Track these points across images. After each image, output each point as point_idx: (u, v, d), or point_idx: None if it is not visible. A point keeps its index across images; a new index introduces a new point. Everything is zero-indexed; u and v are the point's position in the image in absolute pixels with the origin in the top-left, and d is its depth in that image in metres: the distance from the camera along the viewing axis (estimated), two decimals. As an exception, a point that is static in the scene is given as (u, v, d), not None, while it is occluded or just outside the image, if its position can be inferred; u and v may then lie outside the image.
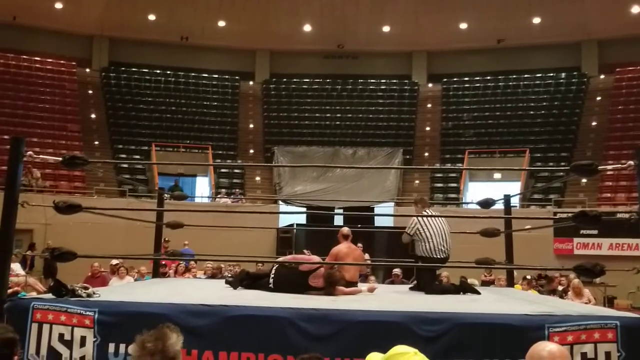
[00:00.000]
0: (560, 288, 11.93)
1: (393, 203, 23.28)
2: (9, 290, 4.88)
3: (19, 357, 2.80)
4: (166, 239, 14.21)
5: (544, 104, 27.89)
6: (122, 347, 4.08)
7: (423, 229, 6.65)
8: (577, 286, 10.67)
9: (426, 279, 6.72)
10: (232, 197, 23.30)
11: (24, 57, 27.96)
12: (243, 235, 16.87)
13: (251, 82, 30.97)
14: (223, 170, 26.21)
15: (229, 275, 11.11)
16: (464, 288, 6.47)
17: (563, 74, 29.14)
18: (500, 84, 29.20)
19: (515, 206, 19.10)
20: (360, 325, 4.15)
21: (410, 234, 6.77)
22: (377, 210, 22.60)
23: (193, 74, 30.17)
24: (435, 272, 6.76)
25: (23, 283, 12.81)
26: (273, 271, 6.11)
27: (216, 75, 30.58)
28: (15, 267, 13.12)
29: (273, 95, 30.32)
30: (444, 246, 6.62)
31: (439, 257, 6.59)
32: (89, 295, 4.50)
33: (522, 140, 25.81)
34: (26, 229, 17.54)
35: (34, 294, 8.39)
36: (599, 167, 5.15)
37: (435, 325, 4.14)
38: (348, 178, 24.33)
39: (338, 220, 20.59)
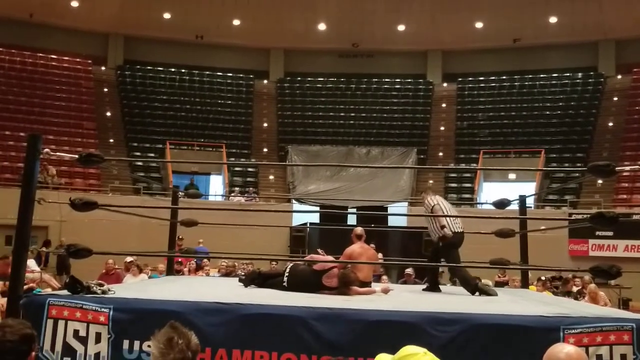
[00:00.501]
0: (575, 289, 11.85)
1: (407, 203, 23.22)
2: (24, 287, 4.91)
3: (36, 353, 2.80)
4: (180, 237, 14.29)
5: (560, 104, 27.73)
6: (136, 343, 4.08)
7: (442, 208, 6.79)
8: (593, 291, 10.59)
9: (454, 256, 6.72)
10: (245, 195, 23.34)
11: (40, 54, 28.17)
12: (256, 234, 16.89)
13: (265, 81, 31.02)
14: (237, 168, 26.28)
15: (242, 273, 11.14)
16: (480, 289, 6.41)
17: (579, 74, 28.96)
18: (516, 83, 29.05)
19: (530, 207, 19.01)
20: (374, 325, 4.13)
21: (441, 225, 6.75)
22: (390, 209, 22.56)
23: (208, 73, 30.26)
24: (457, 248, 6.72)
25: (38, 279, 12.92)
26: (287, 270, 6.11)
27: (231, 74, 30.64)
28: (31, 263, 13.23)
29: (287, 94, 30.34)
30: (458, 222, 6.75)
31: (459, 230, 6.64)
32: (104, 292, 4.51)
33: (538, 141, 25.65)
34: (41, 226, 17.66)
35: (49, 290, 8.44)
36: (617, 168, 5.10)
37: (450, 325, 4.12)
38: (362, 177, 24.30)
39: (351, 219, 20.58)
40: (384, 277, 11.23)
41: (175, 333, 2.42)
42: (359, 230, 7.26)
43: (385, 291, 6.56)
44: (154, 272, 12.23)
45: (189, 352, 2.38)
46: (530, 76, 29.20)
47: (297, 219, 20.84)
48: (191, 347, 2.39)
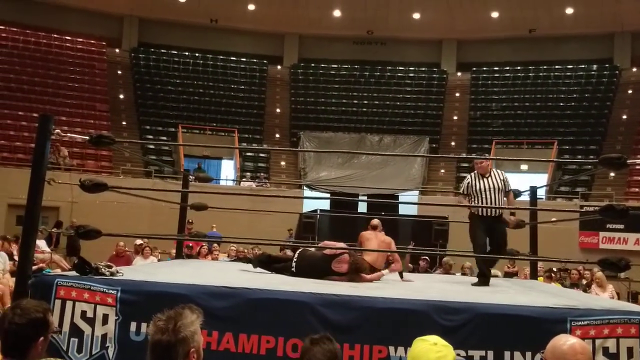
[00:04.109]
0: (584, 282, 11.81)
1: (418, 191, 23.19)
2: (34, 267, 4.94)
3: (49, 336, 2.76)
4: (190, 221, 14.34)
5: (574, 95, 27.56)
6: (143, 326, 4.09)
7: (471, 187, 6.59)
8: (601, 278, 10.57)
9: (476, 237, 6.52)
10: (256, 180, 23.37)
11: (55, 35, 28.22)
12: (266, 219, 16.92)
13: (279, 67, 30.96)
14: (249, 153, 26.30)
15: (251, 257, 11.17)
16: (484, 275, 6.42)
17: (595, 66, 28.75)
18: (530, 74, 28.87)
19: (542, 198, 18.92)
20: (381, 313, 4.14)
21: (463, 193, 6.67)
22: (401, 198, 22.53)
23: (221, 57, 30.23)
24: (480, 228, 6.46)
25: (48, 260, 13.04)
26: (296, 255, 6.11)
27: (244, 59, 30.60)
28: (41, 244, 13.34)
29: (301, 79, 30.28)
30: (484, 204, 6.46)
31: (482, 214, 6.45)
32: (112, 274, 4.53)
33: (551, 132, 25.52)
34: (53, 207, 17.76)
35: (58, 271, 8.50)
36: (628, 161, 5.06)
37: (457, 314, 4.12)
38: (373, 165, 24.27)
39: (362, 207, 20.59)
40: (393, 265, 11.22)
41: (165, 315, 2.41)
42: (374, 221, 7.23)
43: (392, 271, 6.61)
44: (166, 256, 12.31)
45: (167, 335, 2.35)
46: (545, 67, 28.99)
47: (308, 206, 20.84)
48: (177, 332, 2.36)
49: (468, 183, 6.58)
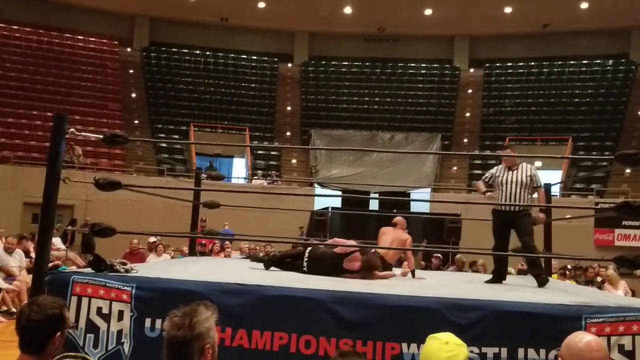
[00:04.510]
0: (599, 279, 11.74)
1: (430, 189, 23.14)
2: (50, 264, 4.98)
3: (65, 331, 2.79)
4: (203, 219, 14.40)
5: (589, 91, 27.39)
6: (158, 322, 4.13)
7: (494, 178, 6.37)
8: (612, 276, 10.54)
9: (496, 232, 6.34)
10: (268, 178, 23.42)
11: (67, 35, 28.35)
12: (278, 217, 16.94)
13: (290, 64, 30.97)
14: (260, 151, 26.36)
15: (262, 254, 11.20)
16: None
17: (610, 61, 28.52)
18: (544, 70, 28.71)
19: (556, 195, 18.83)
20: (394, 310, 4.14)
21: (484, 180, 6.42)
22: (413, 195, 22.49)
23: (232, 55, 30.28)
24: (498, 224, 6.25)
25: (63, 257, 13.16)
26: (306, 254, 6.08)
27: (255, 57, 30.62)
28: (56, 241, 13.47)
29: (311, 77, 30.28)
30: (504, 199, 6.20)
31: (501, 209, 6.26)
32: (127, 271, 4.57)
33: (565, 129, 25.37)
34: (67, 205, 17.90)
35: (73, 268, 8.57)
36: (645, 157, 5.02)
37: (470, 312, 4.11)
38: (385, 163, 24.24)
39: (373, 204, 20.56)
40: (406, 263, 11.21)
41: (181, 311, 2.43)
42: (396, 219, 7.15)
43: (404, 274, 6.59)
44: (178, 253, 12.36)
45: (183, 331, 2.36)
46: (559, 62, 28.81)
47: (319, 203, 20.87)
48: (192, 328, 2.38)
49: (492, 173, 6.39)
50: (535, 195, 6.29)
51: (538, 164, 24.46)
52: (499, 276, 6.31)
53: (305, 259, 6.03)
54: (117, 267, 4.56)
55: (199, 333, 2.38)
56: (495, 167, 6.46)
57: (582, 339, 2.45)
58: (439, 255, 13.38)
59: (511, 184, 6.17)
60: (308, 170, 25.52)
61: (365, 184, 22.56)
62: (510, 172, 6.23)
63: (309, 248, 6.26)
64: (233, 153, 26.42)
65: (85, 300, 4.27)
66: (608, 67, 28.41)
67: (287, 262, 6.20)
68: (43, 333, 2.63)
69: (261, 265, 6.41)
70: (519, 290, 5.61)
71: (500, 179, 6.28)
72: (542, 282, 5.95)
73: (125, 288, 4.26)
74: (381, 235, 6.93)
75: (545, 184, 7.62)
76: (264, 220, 16.93)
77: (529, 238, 6.09)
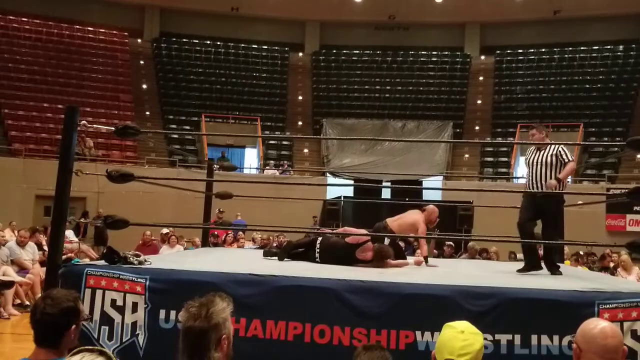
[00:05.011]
0: (611, 265, 11.69)
1: (442, 177, 23.09)
2: (63, 257, 5.00)
3: (80, 323, 2.80)
4: (221, 210, 14.45)
5: (601, 77, 27.17)
6: (172, 313, 4.15)
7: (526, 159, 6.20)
8: (626, 261, 10.47)
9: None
10: (280, 168, 23.42)
11: (77, 27, 28.41)
12: (291, 207, 16.96)
13: (300, 54, 30.90)
14: (271, 142, 26.37)
15: (275, 245, 11.22)
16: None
17: (621, 47, 28.26)
18: (555, 56, 28.50)
19: (568, 181, 18.73)
20: (408, 299, 4.14)
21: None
22: (425, 184, 22.45)
23: (243, 45, 30.23)
24: (523, 205, 6.06)
25: (76, 249, 13.24)
26: (318, 245, 6.06)
27: (266, 47, 30.57)
28: (69, 234, 13.56)
29: (322, 66, 30.21)
30: (530, 180, 6.04)
31: (529, 189, 6.09)
32: (140, 263, 4.59)
33: (577, 115, 25.20)
34: (79, 197, 17.95)
35: (86, 261, 8.62)
36: (657, 143, 4.99)
37: (484, 299, 4.11)
38: (397, 151, 24.18)
39: (386, 193, 20.54)
40: (419, 251, 11.20)
41: (197, 302, 2.44)
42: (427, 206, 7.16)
43: (418, 263, 6.59)
44: (190, 245, 12.40)
45: (200, 322, 2.38)
46: (570, 49, 28.59)
47: (332, 193, 20.86)
48: (209, 318, 2.39)
49: (527, 154, 6.23)
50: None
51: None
52: (529, 265, 6.01)
53: (317, 250, 6.02)
54: (131, 259, 4.58)
55: (216, 323, 2.39)
56: (529, 149, 6.28)
57: (597, 325, 2.44)
58: (451, 243, 13.36)
59: (537, 164, 5.96)
60: (320, 159, 25.50)
61: (377, 173, 22.54)
62: (538, 153, 6.02)
63: (320, 238, 6.23)
64: (245, 143, 26.42)
65: (99, 293, 4.29)
66: (619, 53, 28.15)
67: (300, 252, 6.19)
68: (58, 326, 2.64)
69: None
70: (531, 277, 5.60)
71: (528, 160, 6.15)
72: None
73: (139, 280, 4.27)
74: (397, 219, 6.97)
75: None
76: (276, 210, 16.96)
77: (552, 226, 5.95)
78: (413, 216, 6.98)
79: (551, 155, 5.91)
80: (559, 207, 6.01)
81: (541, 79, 27.86)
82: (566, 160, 5.89)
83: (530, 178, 6.00)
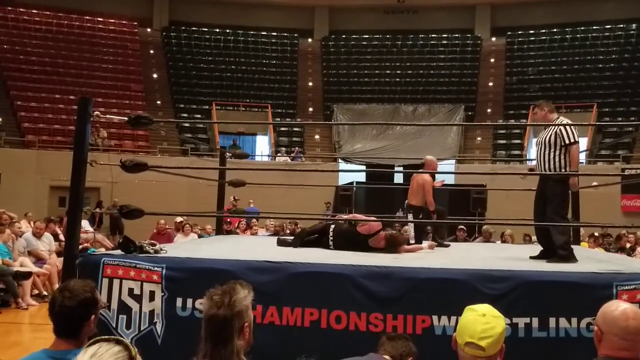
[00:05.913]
0: (628, 246, 11.62)
1: (454, 160, 23.01)
2: (80, 247, 5.03)
3: (98, 313, 2.82)
4: (235, 198, 14.47)
5: (614, 56, 26.92)
6: (189, 301, 4.16)
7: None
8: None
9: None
10: (291, 155, 23.42)
11: (87, 17, 28.46)
12: (303, 193, 16.98)
13: (310, 40, 30.81)
14: (283, 128, 26.34)
15: (288, 232, 11.22)
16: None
17: (633, 25, 27.94)
18: (567, 36, 28.25)
19: (582, 162, 18.62)
20: (424, 283, 4.13)
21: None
22: (437, 167, 22.34)
23: (252, 32, 30.18)
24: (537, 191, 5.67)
25: (92, 239, 13.33)
26: (331, 232, 6.05)
27: (275, 33, 30.49)
28: (85, 224, 13.64)
29: (332, 52, 30.10)
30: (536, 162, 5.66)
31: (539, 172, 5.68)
32: (156, 252, 4.60)
33: (590, 95, 25.00)
34: (93, 187, 18.08)
35: (102, 250, 8.67)
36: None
37: (500, 283, 4.09)
38: (408, 136, 24.12)
39: (398, 177, 20.49)
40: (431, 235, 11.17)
41: (220, 290, 2.45)
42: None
43: (432, 247, 6.58)
44: (203, 233, 12.45)
45: (223, 310, 2.38)
46: (582, 28, 28.32)
47: (344, 179, 20.86)
48: (232, 306, 2.39)
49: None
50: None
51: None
52: (545, 252, 5.54)
53: (331, 236, 6.01)
54: (147, 248, 4.59)
55: (239, 311, 2.40)
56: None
57: (618, 307, 2.43)
58: (463, 227, 13.31)
59: (540, 145, 5.56)
60: (331, 145, 25.48)
61: (390, 158, 22.48)
62: (544, 132, 5.59)
63: (333, 225, 6.22)
64: (256, 131, 26.45)
65: (116, 282, 4.30)
66: (632, 32, 27.85)
67: (313, 239, 6.18)
68: (77, 318, 2.65)
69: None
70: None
71: (536, 141, 5.87)
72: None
73: (155, 269, 4.28)
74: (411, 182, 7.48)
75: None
76: (289, 196, 16.97)
77: (551, 209, 5.39)
78: (416, 178, 7.51)
79: (551, 134, 5.42)
80: (563, 188, 5.42)
81: (553, 59, 27.63)
82: (567, 142, 5.32)
83: (537, 160, 5.66)
